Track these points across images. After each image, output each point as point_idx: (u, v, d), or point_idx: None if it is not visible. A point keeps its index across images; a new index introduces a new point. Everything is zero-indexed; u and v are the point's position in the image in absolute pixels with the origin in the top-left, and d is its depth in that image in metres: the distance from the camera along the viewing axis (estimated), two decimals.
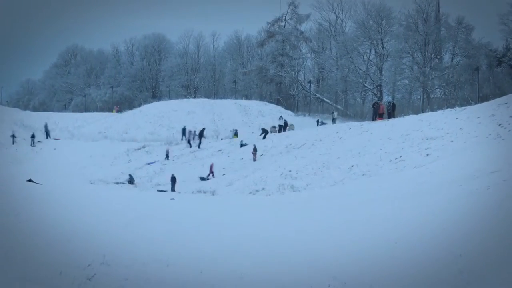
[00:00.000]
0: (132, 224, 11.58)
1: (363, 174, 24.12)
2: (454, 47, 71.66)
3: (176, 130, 54.36)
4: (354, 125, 36.99)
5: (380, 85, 71.94)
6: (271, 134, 43.07)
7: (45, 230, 9.48)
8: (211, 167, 34.85)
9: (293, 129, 45.45)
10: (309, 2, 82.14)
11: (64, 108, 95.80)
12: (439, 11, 71.23)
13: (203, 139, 44.40)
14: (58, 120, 60.89)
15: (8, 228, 8.94)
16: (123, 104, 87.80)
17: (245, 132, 53.14)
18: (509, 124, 23.53)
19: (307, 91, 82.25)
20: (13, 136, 51.46)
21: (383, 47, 73.12)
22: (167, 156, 41.21)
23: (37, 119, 59.28)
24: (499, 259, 7.63)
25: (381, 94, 71.00)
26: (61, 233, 9.36)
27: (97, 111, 78.85)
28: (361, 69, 75.17)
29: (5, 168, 39.63)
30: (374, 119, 38.48)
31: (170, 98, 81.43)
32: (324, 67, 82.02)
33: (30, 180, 21.08)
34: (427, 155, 23.60)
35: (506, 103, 26.53)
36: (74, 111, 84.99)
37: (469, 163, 17.92)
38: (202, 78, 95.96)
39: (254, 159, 35.24)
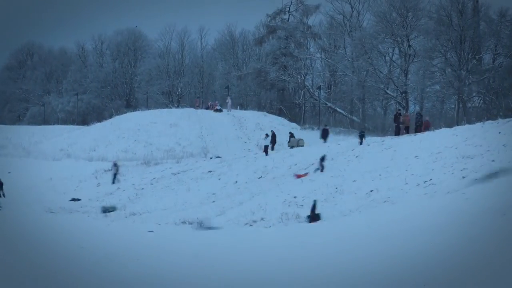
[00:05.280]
0: (100, 264, 11.54)
1: (385, 201, 24.08)
2: (496, 45, 71.98)
3: (155, 147, 54.23)
4: (374, 140, 37.03)
5: (406, 92, 72.13)
6: (274, 152, 43.17)
7: None
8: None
9: (302, 145, 45.49)
10: None
11: (18, 120, 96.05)
12: (477, 2, 71.58)
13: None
14: (11, 134, 60.81)
15: None
16: (91, 115, 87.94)
17: (239, 149, 53.14)
18: None
19: (315, 99, 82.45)
20: None
21: (409, 46, 73.41)
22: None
23: None
24: None
25: (407, 103, 71.17)
26: (14, 274, 9.33)
27: (58, 124, 78.96)
28: (382, 72, 75.42)
29: None
30: (398, 133, 38.36)
31: (148, 107, 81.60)
32: (337, 69, 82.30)
33: None
34: (463, 177, 23.59)
35: None
36: (30, 123, 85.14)
37: None
38: (187, 83, 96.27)
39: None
